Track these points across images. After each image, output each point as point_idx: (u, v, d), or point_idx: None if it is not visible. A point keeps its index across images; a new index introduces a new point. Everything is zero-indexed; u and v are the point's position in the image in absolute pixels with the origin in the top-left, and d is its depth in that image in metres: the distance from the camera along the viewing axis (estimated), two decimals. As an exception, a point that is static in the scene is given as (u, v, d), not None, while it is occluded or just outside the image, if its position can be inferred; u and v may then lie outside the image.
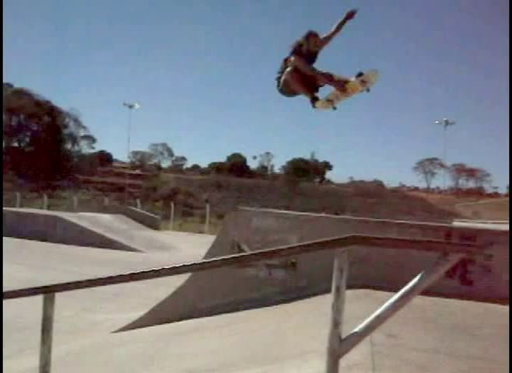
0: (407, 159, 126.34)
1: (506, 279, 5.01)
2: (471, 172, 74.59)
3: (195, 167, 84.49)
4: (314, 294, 4.96)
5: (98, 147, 71.82)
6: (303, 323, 4.22)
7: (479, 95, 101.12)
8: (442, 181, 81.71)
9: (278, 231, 5.40)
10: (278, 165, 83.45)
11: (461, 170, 74.61)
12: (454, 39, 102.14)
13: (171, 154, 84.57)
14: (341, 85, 5.89)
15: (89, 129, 64.56)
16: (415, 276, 2.17)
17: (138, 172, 69.57)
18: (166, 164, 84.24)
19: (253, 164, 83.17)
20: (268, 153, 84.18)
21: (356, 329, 2.23)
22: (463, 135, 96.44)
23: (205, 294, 5.78)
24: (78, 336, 5.63)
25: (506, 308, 4.50)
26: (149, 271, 2.74)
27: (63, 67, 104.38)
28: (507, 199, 36.21)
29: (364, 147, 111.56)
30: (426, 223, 6.31)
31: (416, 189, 78.79)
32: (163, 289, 6.24)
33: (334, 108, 6.19)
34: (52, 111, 57.92)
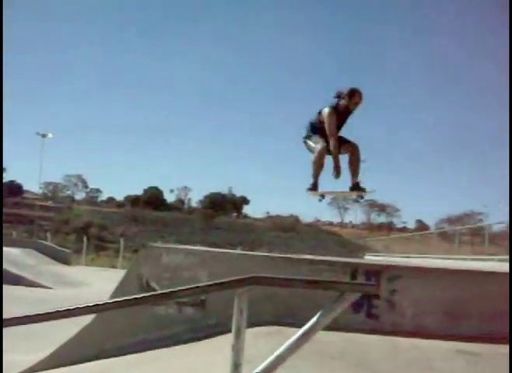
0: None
1: (410, 313, 5.19)
2: (382, 208, 77.56)
3: (111, 199, 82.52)
4: (224, 332, 4.89)
5: (7, 177, 68.73)
6: (211, 362, 4.15)
7: (389, 134, 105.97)
8: (355, 216, 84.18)
9: (188, 268, 5.32)
10: (195, 199, 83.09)
11: (372, 205, 77.39)
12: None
13: (86, 185, 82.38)
14: (336, 175, 6.53)
15: (-3, 158, 61.54)
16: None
17: (50, 203, 67.00)
18: (80, 196, 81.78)
19: (170, 197, 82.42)
20: (185, 187, 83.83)
21: (257, 370, 2.22)
22: (372, 172, 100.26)
23: (112, 334, 5.56)
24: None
25: (410, 341, 4.65)
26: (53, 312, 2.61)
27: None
28: (416, 233, 37.82)
29: (280, 182, 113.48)
30: (334, 259, 6.44)
31: (331, 223, 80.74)
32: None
33: (322, 198, 6.57)
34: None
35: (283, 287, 2.38)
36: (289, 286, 2.41)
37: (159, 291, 2.64)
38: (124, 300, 2.55)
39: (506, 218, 20.31)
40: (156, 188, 78.04)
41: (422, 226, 65.50)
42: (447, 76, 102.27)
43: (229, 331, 4.79)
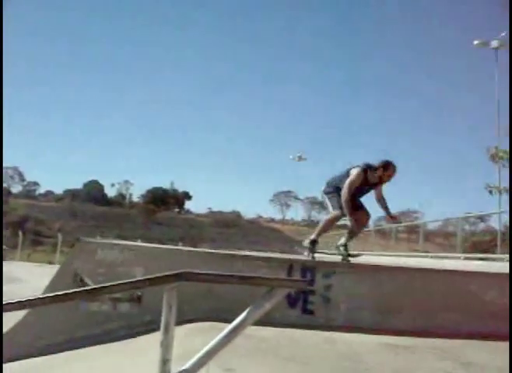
0: (264, 192, 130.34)
1: (344, 308, 5.30)
2: (322, 205, 78.66)
3: (49, 193, 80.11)
4: (159, 329, 4.85)
5: None
6: (143, 360, 4.10)
7: (327, 135, 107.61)
8: (296, 213, 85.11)
9: (123, 264, 5.23)
10: (137, 193, 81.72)
11: (313, 203, 78.49)
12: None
13: (22, 178, 79.55)
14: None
15: None
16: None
17: (-17, 197, 64.47)
18: (16, 189, 78.95)
19: (111, 192, 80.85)
20: (126, 181, 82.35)
21: (186, 366, 2.21)
22: (315, 170, 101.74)
23: (45, 331, 5.39)
24: None
25: (344, 336, 4.74)
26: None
27: None
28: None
29: (223, 178, 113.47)
30: (270, 255, 6.51)
31: (272, 220, 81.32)
32: None
33: None
34: None
35: (213, 282, 2.39)
36: (219, 282, 2.41)
37: (88, 287, 2.58)
38: (51, 296, 2.48)
39: (441, 217, 21.02)
40: (96, 182, 76.34)
41: (361, 223, 66.88)
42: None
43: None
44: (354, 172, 6.53)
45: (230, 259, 5.45)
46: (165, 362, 2.15)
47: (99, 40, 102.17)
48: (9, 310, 2.64)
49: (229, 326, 2.19)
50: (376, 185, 6.67)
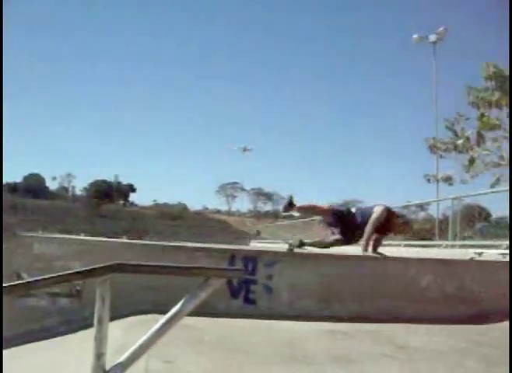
0: (210, 183, 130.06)
1: (286, 297, 5.36)
2: (268, 196, 79.38)
3: (-14, 187, 77.20)
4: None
5: None
6: (81, 354, 4.03)
7: (274, 123, 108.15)
8: (242, 204, 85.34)
9: (61, 258, 5.11)
10: (79, 186, 79.86)
11: (259, 194, 78.96)
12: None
13: (-44, 172, 76.29)
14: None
15: None
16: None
17: None
18: (-51, 183, 75.62)
19: (52, 185, 78.78)
20: (69, 174, 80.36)
21: (121, 359, 2.18)
22: (260, 161, 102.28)
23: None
24: None
25: (286, 324, 4.80)
26: None
27: None
28: (300, 220, 39.02)
29: (168, 170, 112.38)
30: (212, 246, 6.51)
31: (219, 211, 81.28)
32: None
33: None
34: None
35: (147, 273, 2.37)
36: (154, 273, 2.39)
37: (17, 282, 2.50)
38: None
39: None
40: (37, 175, 74.20)
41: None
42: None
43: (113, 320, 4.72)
44: (380, 208, 6.76)
45: (171, 251, 5.43)
46: (99, 356, 2.12)
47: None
48: None
49: (164, 318, 2.17)
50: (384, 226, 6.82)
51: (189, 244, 7.19)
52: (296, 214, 7.01)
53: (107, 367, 2.16)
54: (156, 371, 3.03)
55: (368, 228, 6.53)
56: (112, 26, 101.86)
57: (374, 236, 6.66)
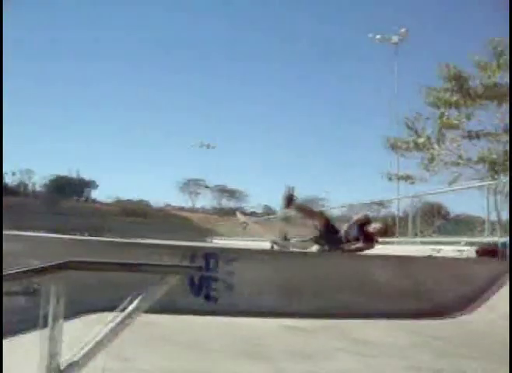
0: (173, 180, 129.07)
1: (247, 294, 5.38)
2: (231, 193, 79.33)
3: None
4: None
5: None
6: (35, 354, 3.97)
7: (238, 120, 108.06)
8: (205, 201, 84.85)
9: (15, 255, 5.00)
10: (39, 182, 78.13)
11: (222, 191, 78.80)
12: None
13: None
14: None
15: None
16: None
17: None
18: None
19: (11, 181, 76.91)
20: (28, 170, 78.56)
21: (76, 358, 2.16)
22: (224, 158, 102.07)
23: None
24: None
25: (246, 320, 4.82)
26: None
27: None
28: (263, 217, 39.20)
29: (131, 166, 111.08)
30: (173, 243, 6.48)
31: (182, 208, 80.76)
32: None
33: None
34: None
35: (102, 271, 2.35)
36: (108, 270, 2.38)
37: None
38: None
39: (346, 202, 21.77)
40: (-5, 170, 72.42)
41: (269, 211, 67.84)
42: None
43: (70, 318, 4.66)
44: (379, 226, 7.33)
45: (130, 248, 5.39)
46: (53, 356, 2.09)
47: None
48: None
49: (120, 315, 2.17)
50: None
51: (150, 241, 7.15)
52: (292, 212, 7.19)
53: (62, 367, 2.14)
54: (113, 370, 3.01)
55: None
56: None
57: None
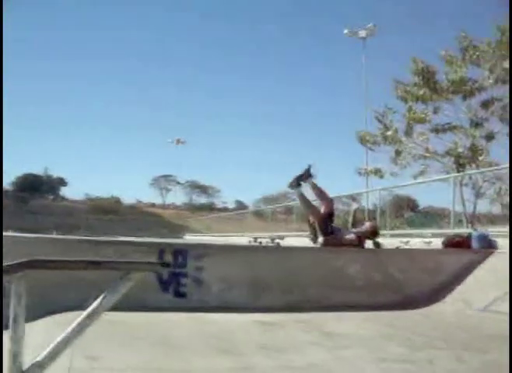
0: (143, 176, 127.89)
1: (216, 289, 5.37)
2: (203, 189, 79.09)
3: None
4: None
5: None
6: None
7: (208, 116, 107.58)
8: (177, 197, 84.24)
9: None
10: (7, 180, 76.63)
11: (193, 186, 78.50)
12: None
13: None
14: None
15: None
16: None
17: None
18: None
19: (-22, 179, 75.24)
20: (-6, 167, 76.97)
21: (38, 358, 2.11)
22: (194, 153, 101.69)
23: None
24: None
25: (216, 316, 4.81)
26: None
27: None
28: (234, 212, 39.18)
29: (100, 163, 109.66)
30: (141, 240, 6.43)
31: (153, 205, 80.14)
32: None
33: None
34: None
35: (64, 269, 2.31)
36: (70, 268, 2.33)
37: None
38: None
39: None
40: (-41, 169, 70.73)
41: (241, 206, 67.89)
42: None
43: (28, 320, 4.57)
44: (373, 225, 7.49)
45: (98, 246, 5.32)
46: (15, 356, 2.04)
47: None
48: None
49: (83, 314, 2.12)
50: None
51: (121, 238, 7.07)
52: (302, 192, 7.06)
53: (24, 368, 2.09)
54: (79, 369, 2.96)
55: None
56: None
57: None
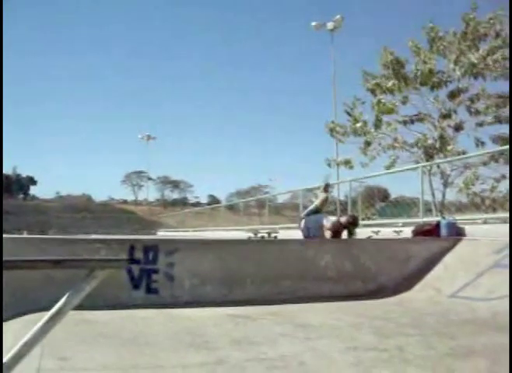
0: (115, 173, 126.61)
1: (188, 285, 5.35)
2: (175, 184, 78.70)
3: None
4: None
5: None
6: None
7: (178, 113, 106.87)
8: (149, 193, 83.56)
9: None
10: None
11: (165, 182, 78.02)
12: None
13: None
14: None
15: None
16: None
17: None
18: None
19: None
20: (-41, 167, 75.27)
21: (4, 360, 2.07)
22: (165, 149, 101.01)
23: None
24: None
25: (189, 311, 4.79)
26: None
27: None
28: (207, 207, 39.04)
29: (70, 160, 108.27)
30: (111, 237, 6.36)
31: (125, 202, 79.46)
32: None
33: None
34: None
35: (27, 269, 2.26)
36: (33, 268, 2.29)
37: None
38: None
39: (288, 189, 21.94)
40: None
41: (214, 201, 67.72)
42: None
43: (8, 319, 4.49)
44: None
45: (67, 244, 5.25)
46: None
47: None
48: None
49: (47, 314, 2.09)
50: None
51: (93, 236, 7.00)
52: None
53: (-11, 369, 2.04)
54: (48, 370, 2.91)
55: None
56: None
57: None
